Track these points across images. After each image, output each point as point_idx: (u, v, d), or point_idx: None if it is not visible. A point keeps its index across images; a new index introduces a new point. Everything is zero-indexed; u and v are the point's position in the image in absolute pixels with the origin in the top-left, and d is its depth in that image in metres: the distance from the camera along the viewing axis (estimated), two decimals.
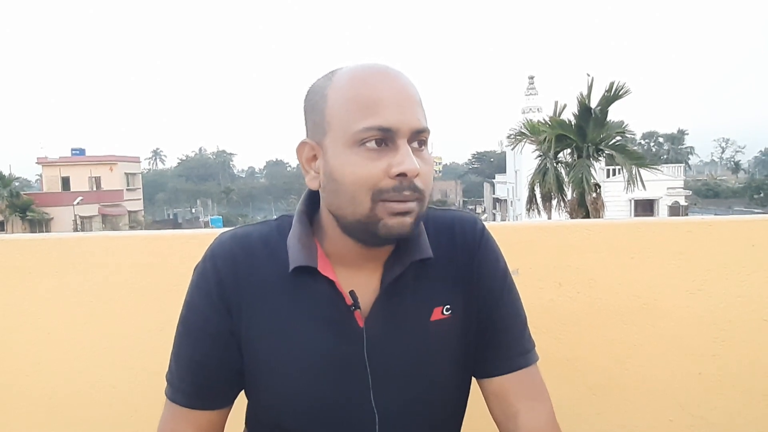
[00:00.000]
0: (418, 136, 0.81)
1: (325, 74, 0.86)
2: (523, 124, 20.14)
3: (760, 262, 1.45)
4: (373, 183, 0.79)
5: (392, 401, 0.88)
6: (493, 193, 46.96)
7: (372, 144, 0.79)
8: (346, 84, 0.81)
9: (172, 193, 70.03)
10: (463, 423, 0.99)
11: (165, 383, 0.93)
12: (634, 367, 1.48)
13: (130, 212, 39.75)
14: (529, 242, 1.48)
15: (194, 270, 0.91)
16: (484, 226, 0.97)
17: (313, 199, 0.91)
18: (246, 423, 0.99)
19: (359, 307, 0.87)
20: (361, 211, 0.80)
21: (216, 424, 0.92)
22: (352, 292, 0.86)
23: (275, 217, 0.97)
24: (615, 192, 24.53)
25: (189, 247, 1.46)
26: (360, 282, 0.88)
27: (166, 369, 0.93)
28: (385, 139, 0.79)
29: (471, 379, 0.98)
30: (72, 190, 38.11)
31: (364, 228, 0.82)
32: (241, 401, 0.96)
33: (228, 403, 0.93)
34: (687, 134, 78.31)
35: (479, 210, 48.30)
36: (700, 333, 1.47)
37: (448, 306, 0.91)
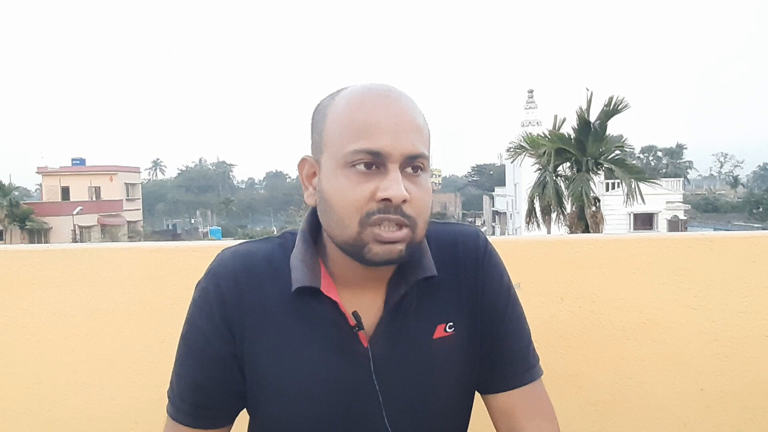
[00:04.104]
0: (413, 162, 0.80)
1: (332, 93, 0.87)
2: (523, 137, 20.22)
3: (761, 278, 1.45)
4: (359, 206, 0.79)
5: (403, 418, 0.88)
6: (493, 206, 47.05)
7: (361, 167, 0.79)
8: (344, 105, 0.82)
9: (172, 204, 70.01)
10: None
11: (166, 396, 0.93)
12: (635, 383, 1.48)
13: (129, 222, 39.71)
14: (531, 257, 1.48)
15: (196, 287, 0.91)
16: (487, 240, 0.97)
17: (317, 218, 0.90)
18: None
19: (362, 328, 0.86)
20: (349, 234, 0.80)
21: None
22: (355, 313, 0.86)
23: (277, 233, 0.96)
24: (614, 205, 24.58)
25: (191, 259, 1.46)
26: (364, 302, 0.88)
27: (167, 382, 0.93)
28: (375, 162, 0.79)
29: (474, 394, 0.97)
30: (72, 199, 38.08)
31: (352, 250, 0.81)
32: (243, 417, 0.95)
33: (230, 421, 0.93)
34: (686, 148, 78.56)
35: (479, 223, 48.31)
36: (701, 349, 1.47)
37: (451, 323, 0.91)
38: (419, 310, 0.89)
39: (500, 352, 0.93)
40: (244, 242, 0.95)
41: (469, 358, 0.93)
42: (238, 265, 0.89)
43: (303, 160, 0.88)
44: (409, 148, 0.80)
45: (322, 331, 0.87)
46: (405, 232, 0.80)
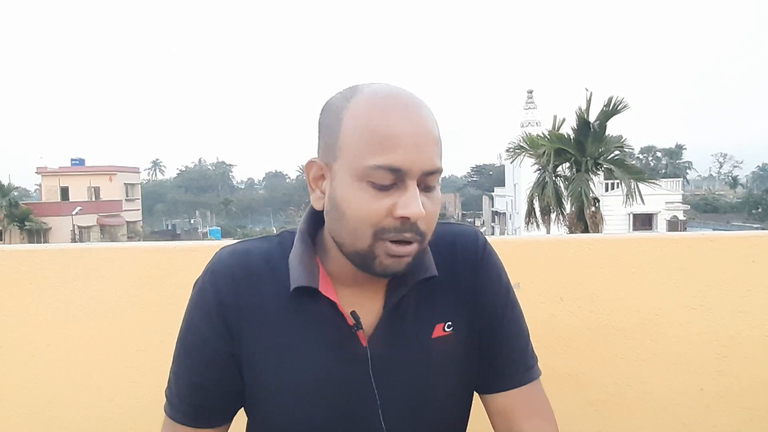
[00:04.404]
0: (429, 177, 0.80)
1: (344, 91, 0.84)
2: (522, 137, 20.22)
3: (761, 278, 1.45)
4: (375, 221, 0.78)
5: (400, 419, 0.88)
6: (492, 207, 47.09)
7: (380, 181, 0.78)
8: (363, 112, 0.79)
9: (171, 204, 69.92)
10: None
11: (164, 396, 0.92)
12: (635, 383, 1.48)
13: (128, 222, 39.70)
14: (531, 257, 1.48)
15: (194, 285, 0.91)
16: (485, 240, 0.97)
17: (316, 217, 0.90)
18: None
19: (361, 328, 0.86)
20: (361, 245, 0.80)
21: None
22: (353, 313, 0.86)
23: (276, 232, 0.96)
24: (614, 206, 24.60)
25: (190, 259, 1.46)
26: (363, 301, 0.87)
27: (166, 382, 0.93)
28: (394, 178, 0.78)
29: (473, 394, 0.97)
30: (71, 200, 38.05)
31: (361, 260, 0.81)
32: (241, 416, 0.95)
33: (227, 420, 0.93)
34: (685, 149, 78.56)
35: (478, 223, 48.33)
36: (701, 349, 1.46)
37: (450, 323, 0.90)
38: (418, 310, 0.89)
39: (499, 353, 0.93)
40: (242, 241, 0.95)
41: (468, 358, 0.92)
42: (235, 263, 0.89)
43: (311, 163, 0.85)
44: (429, 164, 0.79)
45: (321, 331, 0.86)
46: (414, 246, 0.80)
